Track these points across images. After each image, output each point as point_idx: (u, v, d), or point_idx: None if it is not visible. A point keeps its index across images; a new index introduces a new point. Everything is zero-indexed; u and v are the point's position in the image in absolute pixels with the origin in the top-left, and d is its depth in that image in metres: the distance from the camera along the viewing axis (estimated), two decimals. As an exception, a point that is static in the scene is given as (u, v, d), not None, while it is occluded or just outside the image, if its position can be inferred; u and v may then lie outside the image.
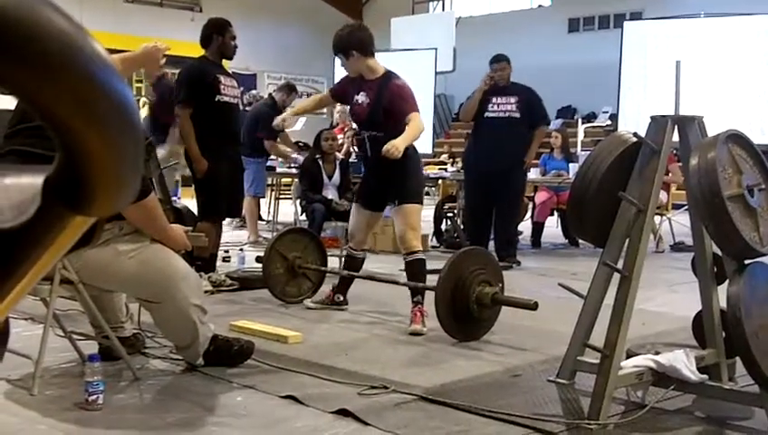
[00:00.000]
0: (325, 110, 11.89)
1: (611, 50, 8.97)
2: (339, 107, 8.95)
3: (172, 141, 7.16)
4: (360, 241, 4.47)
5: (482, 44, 15.58)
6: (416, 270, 4.16)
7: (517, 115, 6.29)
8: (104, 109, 0.56)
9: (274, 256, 4.65)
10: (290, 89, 7.82)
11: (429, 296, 3.98)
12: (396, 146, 3.92)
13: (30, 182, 0.60)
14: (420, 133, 4.12)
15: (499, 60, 6.46)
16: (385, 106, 4.12)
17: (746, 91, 7.79)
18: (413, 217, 4.17)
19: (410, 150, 4.23)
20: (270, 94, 7.93)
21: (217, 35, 5.00)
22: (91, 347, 3.23)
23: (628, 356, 2.91)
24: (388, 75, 4.20)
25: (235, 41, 5.04)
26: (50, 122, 0.56)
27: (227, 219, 5.42)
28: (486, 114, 6.29)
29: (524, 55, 17.79)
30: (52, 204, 0.59)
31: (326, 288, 4.68)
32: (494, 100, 6.31)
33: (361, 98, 4.21)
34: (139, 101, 11.86)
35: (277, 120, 4.33)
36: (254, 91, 9.98)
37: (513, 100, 6.31)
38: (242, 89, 5.35)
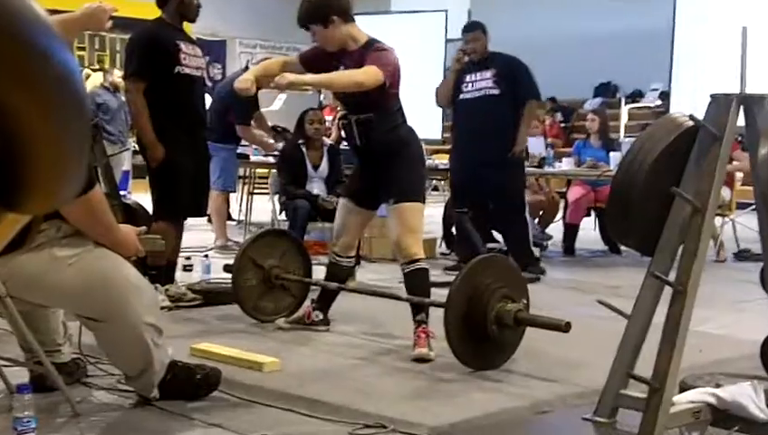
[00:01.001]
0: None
1: (662, 15, 9.00)
2: (283, 95, 8.94)
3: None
4: (348, 245, 4.47)
5: (503, 6, 15.62)
6: (417, 282, 4.16)
7: (496, 91, 6.27)
8: (45, 81, 0.55)
9: (246, 265, 4.65)
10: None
11: (436, 315, 3.98)
12: (285, 76, 3.91)
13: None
14: (353, 84, 4.03)
15: (470, 29, 6.47)
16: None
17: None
18: (413, 218, 4.17)
19: (408, 135, 4.23)
20: (244, 69, 7.92)
21: None
22: (20, 375, 3.22)
23: (682, 390, 2.90)
24: (372, 42, 4.21)
25: None
26: None
27: (190, 219, 5.41)
28: (461, 96, 6.31)
29: (555, 22, 17.90)
30: None
31: (306, 304, 4.68)
32: (467, 78, 6.31)
33: (342, 70, 4.20)
34: (81, 72, 11.93)
35: (238, 83, 4.17)
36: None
37: (488, 74, 6.30)
38: (207, 59, 5.35)
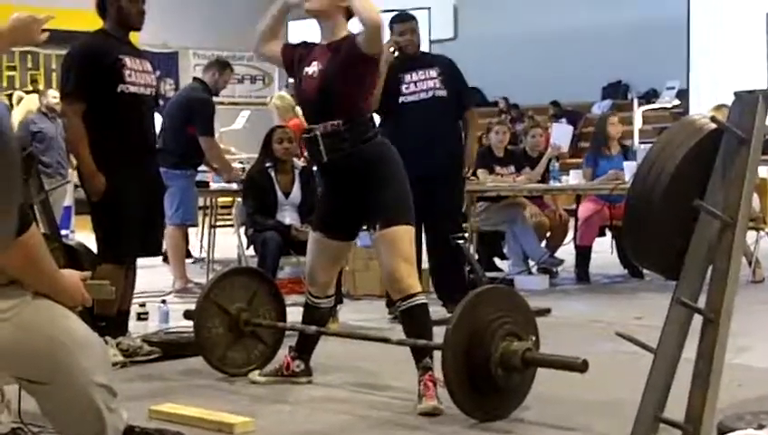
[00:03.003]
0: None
1: (675, 4, 9.08)
2: (275, 100, 8.96)
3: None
4: (325, 284, 4.46)
5: (492, 2, 15.72)
6: (417, 320, 4.13)
7: (443, 93, 6.29)
8: None
9: (210, 310, 4.63)
10: (221, 65, 7.87)
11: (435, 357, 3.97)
12: None
13: None
14: (372, 19, 4.07)
15: (405, 18, 6.42)
16: (343, 70, 4.10)
17: None
18: (404, 243, 4.15)
19: (385, 149, 4.22)
20: (194, 78, 7.96)
21: (112, 1, 5.01)
22: (-50, 451, 3.19)
23: (721, 433, 2.90)
24: (351, 35, 4.22)
25: (139, 3, 5.05)
26: None
27: (142, 260, 5.40)
28: (402, 99, 6.20)
29: (553, 14, 18.05)
30: None
31: (284, 352, 4.67)
32: (407, 77, 6.23)
33: (312, 68, 4.21)
34: (11, 96, 11.88)
35: None
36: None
37: (433, 73, 6.29)
38: (157, 74, 5.35)
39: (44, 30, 3.33)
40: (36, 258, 2.86)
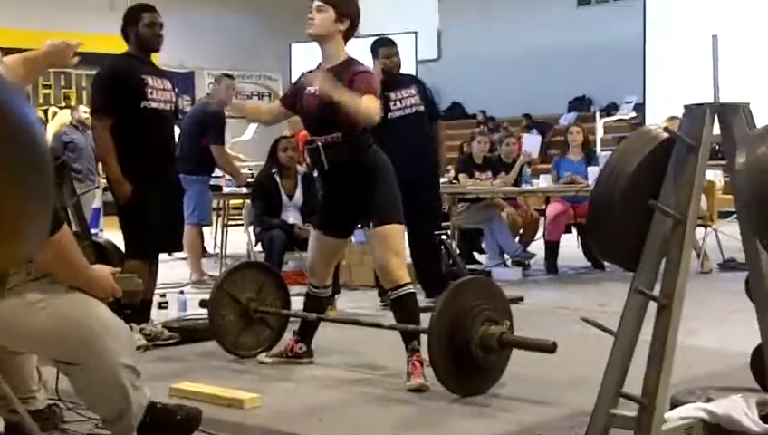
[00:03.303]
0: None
1: (632, 26, 9.08)
2: (255, 125, 8.94)
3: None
4: (323, 276, 4.45)
5: (472, 25, 15.72)
6: (406, 308, 4.13)
7: (422, 108, 6.36)
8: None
9: (223, 300, 4.62)
10: (227, 78, 7.81)
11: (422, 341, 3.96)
12: (332, 89, 3.93)
13: None
14: (369, 117, 4.03)
15: (390, 43, 6.46)
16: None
17: (800, 69, 7.89)
18: (395, 239, 4.15)
19: (378, 157, 4.21)
20: (208, 94, 7.94)
21: (130, 26, 5.01)
22: (-6, 425, 3.17)
23: (674, 406, 2.90)
24: (350, 61, 4.19)
25: (155, 28, 5.02)
26: None
27: (164, 255, 5.39)
28: (391, 115, 6.15)
29: (525, 36, 18.05)
30: None
31: (288, 337, 4.66)
32: (393, 96, 6.23)
33: (313, 90, 4.18)
34: (46, 111, 11.85)
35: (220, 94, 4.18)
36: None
37: (413, 90, 6.34)
38: (176, 91, 5.33)
39: (76, 54, 3.32)
40: (67, 254, 2.86)
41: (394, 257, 4.12)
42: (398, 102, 6.24)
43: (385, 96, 6.14)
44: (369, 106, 3.99)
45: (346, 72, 4.10)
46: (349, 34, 4.18)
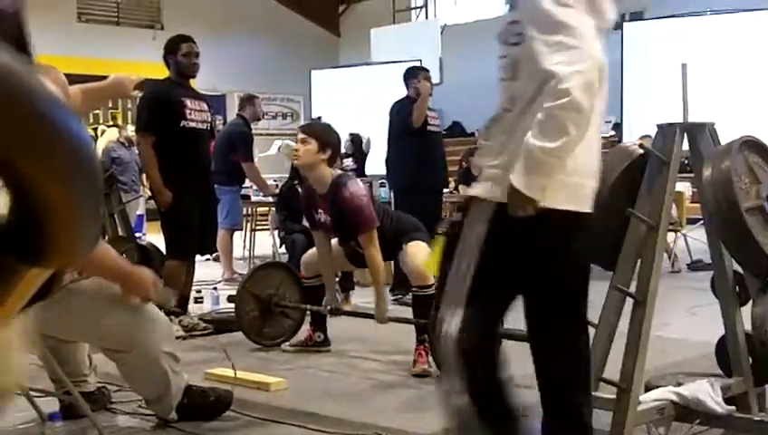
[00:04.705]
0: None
1: (611, 54, 9.02)
2: (284, 149, 8.82)
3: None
4: (315, 270, 4.46)
5: (470, 53, 15.69)
6: (425, 305, 4.10)
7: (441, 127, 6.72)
8: (60, 153, 0.55)
9: (246, 298, 4.63)
10: (248, 98, 7.79)
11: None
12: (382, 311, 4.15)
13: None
14: (382, 271, 4.18)
15: (426, 69, 6.73)
16: (345, 220, 4.11)
17: (760, 93, 7.88)
18: (424, 250, 4.18)
19: (402, 224, 4.33)
20: (237, 114, 7.94)
21: (171, 55, 5.04)
22: (51, 405, 3.18)
23: (648, 389, 2.90)
24: (336, 185, 4.13)
25: (191, 57, 5.05)
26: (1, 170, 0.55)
27: (200, 256, 5.40)
28: (429, 128, 6.35)
29: (518, 63, 17.99)
30: (3, 256, 0.58)
31: (306, 328, 4.66)
32: (429, 113, 6.37)
33: (321, 217, 4.24)
34: (96, 129, 11.87)
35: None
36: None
37: (436, 113, 6.59)
38: (212, 112, 5.34)
39: (136, 87, 3.36)
40: (107, 262, 2.83)
41: (423, 263, 4.14)
42: (432, 120, 6.40)
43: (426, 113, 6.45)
44: (375, 263, 4.09)
45: (338, 196, 4.09)
46: (332, 162, 4.19)
